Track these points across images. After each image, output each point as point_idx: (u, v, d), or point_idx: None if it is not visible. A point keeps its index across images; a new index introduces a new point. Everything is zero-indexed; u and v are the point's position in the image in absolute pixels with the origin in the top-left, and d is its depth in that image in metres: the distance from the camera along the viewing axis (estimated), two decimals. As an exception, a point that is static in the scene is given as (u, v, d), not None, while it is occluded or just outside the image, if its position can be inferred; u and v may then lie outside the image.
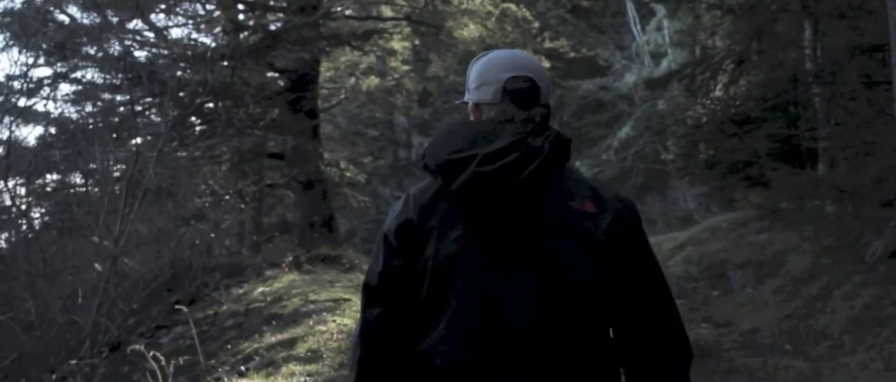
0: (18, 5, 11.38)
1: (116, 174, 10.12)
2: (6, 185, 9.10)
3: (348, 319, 7.89)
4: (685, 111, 15.39)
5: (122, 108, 12.55)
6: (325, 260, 11.55)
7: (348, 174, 17.38)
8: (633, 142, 25.44)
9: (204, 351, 7.46)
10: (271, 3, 15.19)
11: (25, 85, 9.23)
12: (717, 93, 14.25)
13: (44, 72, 12.32)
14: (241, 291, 9.82)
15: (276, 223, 19.01)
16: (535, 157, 1.83)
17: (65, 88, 13.11)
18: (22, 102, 9.89)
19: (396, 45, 16.97)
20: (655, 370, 1.89)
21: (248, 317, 8.76)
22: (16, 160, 9.56)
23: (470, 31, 15.73)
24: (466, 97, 2.07)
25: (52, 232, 9.75)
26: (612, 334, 1.93)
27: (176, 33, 15.31)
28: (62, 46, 10.70)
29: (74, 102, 12.91)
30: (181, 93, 11.54)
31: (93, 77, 12.57)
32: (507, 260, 1.84)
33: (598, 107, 26.87)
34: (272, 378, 6.42)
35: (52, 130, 11.42)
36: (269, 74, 15.39)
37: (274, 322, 8.22)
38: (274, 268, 10.76)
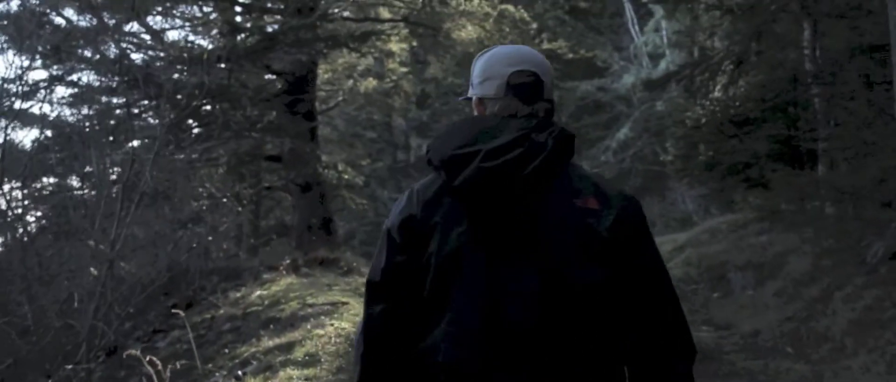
0: (14, 8, 11.33)
1: (113, 177, 10.06)
2: (1, 189, 9.05)
3: (346, 323, 7.86)
4: (684, 112, 15.34)
5: (118, 111, 12.51)
6: (323, 263, 11.51)
7: (346, 176, 17.36)
8: (631, 144, 25.40)
9: (201, 356, 7.42)
10: (268, 4, 15.14)
11: (20, 87, 9.17)
12: (717, 93, 14.22)
13: (40, 74, 12.25)
14: (238, 295, 9.77)
15: (274, 225, 18.99)
16: (539, 153, 1.82)
17: (61, 91, 13.05)
18: (18, 105, 9.83)
19: (394, 46, 16.93)
20: (659, 369, 1.88)
21: (246, 321, 8.72)
22: (11, 163, 9.51)
23: (468, 32, 15.70)
24: (470, 92, 2.07)
25: (47, 237, 9.69)
26: (615, 333, 1.91)
27: (173, 36, 15.28)
28: (58, 49, 10.64)
29: (71, 105, 12.86)
30: (178, 96, 11.48)
31: (89, 80, 12.53)
32: (510, 257, 1.83)
33: (596, 108, 26.83)
34: (269, 382, 6.39)
35: (49, 133, 11.35)
36: (267, 76, 15.33)
37: (271, 326, 8.18)
38: (271, 272, 10.72)
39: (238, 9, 15.10)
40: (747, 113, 12.54)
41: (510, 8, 16.27)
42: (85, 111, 12.38)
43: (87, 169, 9.98)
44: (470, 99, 2.07)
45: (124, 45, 12.78)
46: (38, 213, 11.47)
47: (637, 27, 26.30)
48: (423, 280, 1.88)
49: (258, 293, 9.65)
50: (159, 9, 14.06)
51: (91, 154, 9.22)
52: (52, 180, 11.97)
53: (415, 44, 17.71)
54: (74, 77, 12.60)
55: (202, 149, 13.09)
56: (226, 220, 12.94)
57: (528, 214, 1.83)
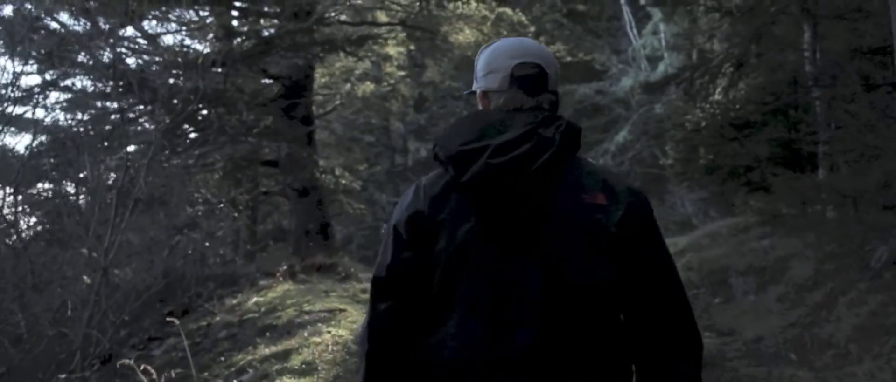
0: (7, 12, 11.22)
1: (109, 183, 9.96)
2: (-6, 196, 8.96)
3: (344, 330, 7.78)
4: (684, 115, 15.30)
5: (114, 116, 12.41)
6: (321, 268, 11.43)
7: (343, 181, 17.29)
8: (630, 147, 25.37)
9: (197, 364, 7.31)
10: (265, 8, 15.05)
11: (12, 92, 9.07)
12: (717, 96, 14.14)
13: (34, 80, 12.15)
14: (234, 301, 9.69)
15: (271, 230, 18.92)
16: (547, 148, 1.81)
17: (56, 97, 12.97)
18: (11, 110, 9.72)
19: (391, 50, 16.86)
20: (667, 368, 1.87)
21: (242, 328, 8.63)
22: (4, 169, 9.41)
23: (465, 35, 15.65)
24: (474, 86, 2.06)
25: (40, 244, 9.58)
26: (621, 330, 1.91)
27: (169, 40, 15.21)
28: (51, 54, 10.55)
29: (65, 110, 12.77)
30: (174, 101, 11.39)
31: (83, 85, 12.43)
32: (517, 254, 1.82)
33: (594, 111, 26.76)
34: (265, 391, 6.31)
35: (42, 139, 11.25)
36: (263, 81, 15.26)
37: (268, 333, 8.10)
38: (268, 278, 10.65)
39: (234, 13, 15.02)
40: (748, 116, 12.48)
41: (508, 11, 16.23)
42: (79, 116, 12.28)
43: (82, 174, 9.89)
44: (475, 93, 2.06)
45: (119, 50, 12.69)
46: (32, 220, 11.37)
47: (635, 30, 26.29)
48: (430, 276, 1.86)
49: (255, 300, 9.57)
50: (155, 13, 13.97)
51: (85, 159, 9.12)
52: (46, 186, 11.86)
53: (412, 47, 17.66)
54: (69, 82, 12.50)
55: (198, 154, 13.02)
56: (222, 226, 12.85)
57: (536, 210, 1.82)
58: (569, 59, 19.92)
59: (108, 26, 12.34)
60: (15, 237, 9.16)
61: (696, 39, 18.93)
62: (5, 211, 9.08)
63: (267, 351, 7.41)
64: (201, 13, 14.98)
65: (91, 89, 12.15)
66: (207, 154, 13.54)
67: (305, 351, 7.19)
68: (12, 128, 10.93)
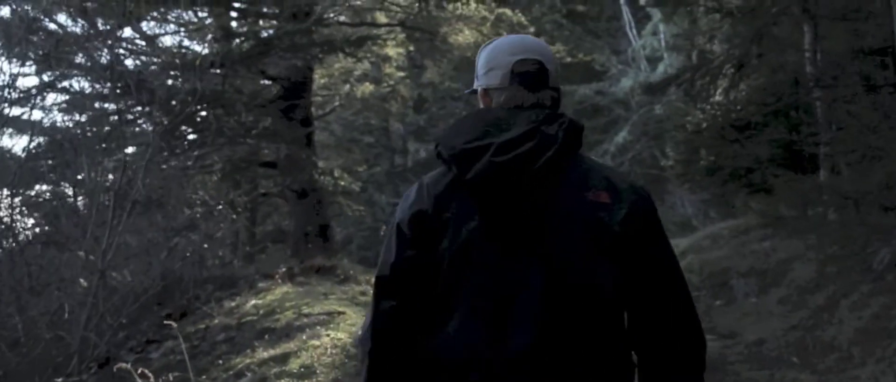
0: (5, 14, 11.17)
1: (107, 184, 9.91)
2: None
3: (343, 333, 7.74)
4: (684, 116, 15.27)
5: (113, 117, 12.36)
6: (320, 271, 11.36)
7: (343, 183, 17.23)
8: (629, 147, 25.38)
9: (195, 367, 7.28)
10: (264, 9, 14.99)
11: (10, 93, 9.03)
12: (718, 97, 14.10)
13: (32, 81, 12.10)
14: (233, 304, 9.63)
15: (271, 231, 18.86)
16: (551, 146, 1.81)
17: (53, 98, 12.90)
18: (8, 112, 9.69)
19: (391, 51, 16.82)
20: (670, 367, 1.86)
21: (240, 331, 8.59)
22: (2, 171, 9.36)
23: (465, 36, 15.61)
24: (475, 84, 2.05)
25: (36, 247, 9.53)
26: (623, 330, 1.90)
27: (167, 41, 15.16)
28: (48, 56, 10.50)
29: (64, 112, 12.72)
30: (173, 102, 11.34)
31: (82, 86, 12.38)
32: (520, 252, 1.81)
33: (594, 112, 26.74)
34: (264, 395, 6.27)
35: (39, 140, 11.20)
36: (262, 82, 15.20)
37: (266, 336, 8.06)
38: (267, 280, 10.58)
39: (233, 14, 14.97)
40: (749, 117, 12.45)
41: (507, 12, 16.20)
42: (77, 118, 12.24)
43: (80, 176, 9.84)
44: (476, 92, 2.05)
45: (118, 51, 12.64)
46: (31, 222, 11.32)
47: (635, 30, 26.29)
48: (433, 275, 1.86)
49: (253, 302, 9.51)
50: (154, 14, 13.92)
51: (82, 161, 9.08)
52: (44, 188, 11.82)
53: (412, 48, 17.62)
54: (66, 83, 12.45)
55: (196, 155, 12.96)
56: (221, 228, 12.80)
57: (539, 208, 1.81)
58: (568, 59, 19.90)
59: (106, 27, 12.31)
60: (11, 239, 9.12)
61: (696, 40, 18.91)
62: (2, 213, 9.05)
63: (265, 355, 7.38)
64: (200, 14, 14.92)
65: (89, 91, 12.10)
66: (206, 155, 13.48)
67: (304, 355, 7.17)
68: (10, 130, 10.89)
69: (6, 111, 9.48)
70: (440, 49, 16.19)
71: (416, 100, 25.49)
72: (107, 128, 11.89)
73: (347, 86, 18.23)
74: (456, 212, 1.84)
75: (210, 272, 11.32)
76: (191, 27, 15.06)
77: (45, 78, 12.03)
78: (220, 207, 13.30)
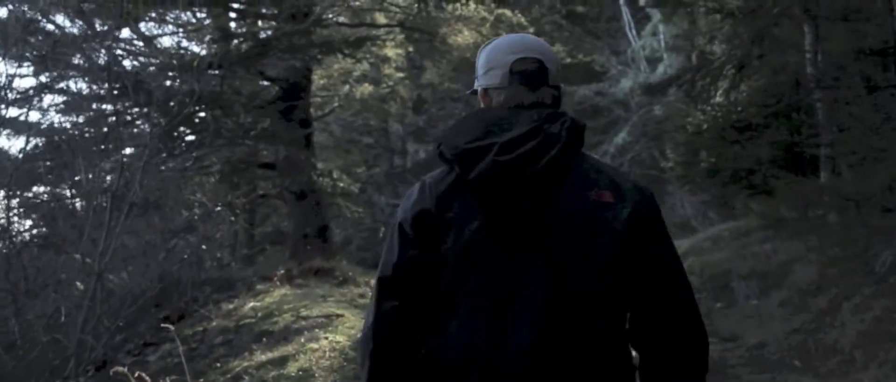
0: (2, 15, 11.12)
1: (104, 186, 9.86)
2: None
3: (341, 336, 7.69)
4: (685, 117, 15.22)
5: (111, 119, 12.30)
6: (318, 273, 11.31)
7: (342, 184, 17.19)
8: (629, 148, 25.33)
9: (192, 370, 7.23)
10: (263, 10, 14.95)
11: (6, 93, 8.99)
12: (718, 99, 14.05)
13: (29, 82, 12.07)
14: (231, 306, 9.58)
15: (270, 232, 18.82)
16: (554, 145, 1.80)
17: (51, 99, 12.84)
18: (5, 113, 9.64)
19: (390, 52, 16.79)
20: (672, 367, 1.84)
21: (238, 334, 8.54)
22: (-1, 172, 9.31)
23: (464, 37, 15.60)
24: (476, 85, 2.04)
25: (33, 249, 9.48)
26: (625, 331, 1.89)
27: (166, 42, 15.12)
28: (44, 57, 10.45)
29: (61, 113, 12.67)
30: (171, 103, 11.28)
31: (79, 87, 12.33)
32: (522, 252, 1.80)
33: (594, 112, 26.68)
34: (262, 400, 6.22)
35: (35, 141, 11.15)
36: (261, 83, 15.15)
37: (264, 339, 8.02)
38: (265, 282, 10.53)
39: (232, 15, 14.92)
40: (750, 118, 12.40)
41: (507, 12, 16.17)
42: (75, 119, 12.19)
43: (77, 177, 9.79)
44: (476, 93, 2.04)
45: (116, 52, 12.59)
46: (28, 223, 11.27)
47: (634, 31, 26.26)
48: (435, 275, 1.84)
49: (251, 304, 9.46)
50: (152, 15, 13.88)
51: (79, 163, 9.02)
52: (41, 190, 11.76)
53: (411, 49, 17.60)
54: (64, 84, 12.40)
55: (195, 156, 12.90)
56: (219, 229, 12.75)
57: (541, 208, 1.81)
58: (568, 60, 19.90)
59: (104, 28, 12.25)
60: (8, 241, 9.06)
61: (696, 41, 18.88)
62: (-1, 215, 9.00)
63: (263, 358, 7.33)
64: (198, 15, 14.89)
65: (86, 92, 12.05)
66: (204, 157, 13.43)
67: (302, 358, 7.12)
68: (7, 131, 10.84)
69: (3, 112, 9.45)
70: (439, 50, 16.18)
71: (416, 101, 25.49)
72: (104, 130, 11.84)
73: (346, 87, 18.21)
74: (459, 212, 1.83)
75: (208, 274, 11.28)
76: (189, 28, 15.02)
77: (43, 79, 11.99)
78: (219, 209, 13.22)
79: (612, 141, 25.61)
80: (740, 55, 12.88)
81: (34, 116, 12.53)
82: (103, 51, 11.37)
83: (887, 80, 9.27)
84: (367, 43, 15.31)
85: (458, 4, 15.15)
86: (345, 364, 6.95)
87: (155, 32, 14.58)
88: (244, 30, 15.03)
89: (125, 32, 13.45)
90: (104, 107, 12.52)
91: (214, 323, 9.03)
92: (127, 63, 13.10)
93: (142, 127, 12.61)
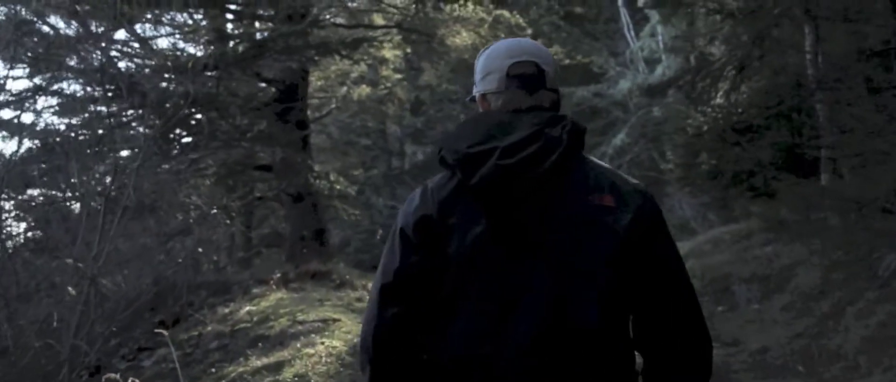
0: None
1: (99, 189, 9.76)
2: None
3: (338, 341, 7.60)
4: (685, 119, 15.15)
5: (106, 121, 12.21)
6: (315, 276, 11.23)
7: (339, 186, 17.11)
8: (628, 149, 25.27)
9: (187, 376, 7.16)
10: (259, 11, 14.86)
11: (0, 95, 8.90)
12: (718, 100, 13.98)
13: (23, 83, 11.99)
14: (226, 311, 9.49)
15: (267, 235, 18.72)
16: (555, 148, 1.79)
17: (45, 101, 12.75)
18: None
19: (388, 53, 16.73)
20: (675, 369, 1.84)
21: (234, 339, 8.46)
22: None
23: (462, 38, 15.55)
24: (474, 90, 2.04)
25: (25, 253, 9.38)
26: (628, 334, 1.89)
27: (162, 43, 15.03)
28: (39, 58, 10.36)
29: (56, 114, 12.59)
30: (166, 105, 11.19)
31: (73, 89, 12.24)
32: (524, 256, 1.80)
33: (592, 114, 26.62)
34: (257, 406, 6.13)
35: (28, 143, 11.07)
36: (257, 84, 15.07)
37: (260, 344, 7.94)
38: (261, 286, 10.44)
39: (228, 16, 14.83)
40: (750, 120, 12.34)
41: (505, 13, 16.14)
42: (69, 121, 12.10)
43: (72, 180, 9.69)
44: (476, 99, 2.04)
45: (111, 53, 12.50)
46: (23, 226, 11.16)
47: (633, 32, 26.21)
48: (438, 280, 1.84)
49: (247, 308, 9.37)
50: (148, 16, 13.78)
51: (72, 165, 8.92)
52: (35, 192, 11.66)
53: (409, 50, 17.53)
54: (58, 86, 12.31)
55: (190, 159, 12.82)
56: (215, 232, 12.66)
57: (542, 212, 1.80)
58: (566, 61, 19.83)
59: (99, 29, 12.16)
60: (0, 245, 8.95)
61: (695, 42, 18.80)
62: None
63: (259, 363, 7.26)
64: (195, 16, 14.79)
65: (81, 93, 11.96)
66: (200, 159, 13.37)
67: (298, 363, 7.04)
68: (1, 133, 10.75)
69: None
70: (437, 51, 16.13)
71: (414, 103, 25.45)
72: (99, 132, 11.73)
73: (344, 89, 18.16)
74: (461, 217, 1.83)
75: (204, 277, 11.20)
76: (185, 29, 14.93)
77: (37, 80, 11.90)
78: (215, 211, 13.11)
79: (610, 142, 25.55)
80: (741, 56, 12.82)
81: (28, 118, 12.45)
82: (98, 52, 11.28)
83: (889, 82, 9.18)
84: (365, 44, 15.26)
85: (455, 5, 15.10)
86: (341, 369, 6.87)
87: (150, 34, 14.50)
88: (240, 31, 14.97)
89: (120, 34, 13.39)
90: (99, 109, 12.42)
91: (210, 328, 8.95)
92: (122, 64, 13.00)
93: (137, 129, 12.51)
